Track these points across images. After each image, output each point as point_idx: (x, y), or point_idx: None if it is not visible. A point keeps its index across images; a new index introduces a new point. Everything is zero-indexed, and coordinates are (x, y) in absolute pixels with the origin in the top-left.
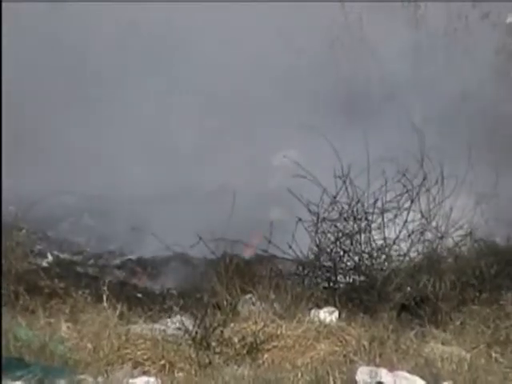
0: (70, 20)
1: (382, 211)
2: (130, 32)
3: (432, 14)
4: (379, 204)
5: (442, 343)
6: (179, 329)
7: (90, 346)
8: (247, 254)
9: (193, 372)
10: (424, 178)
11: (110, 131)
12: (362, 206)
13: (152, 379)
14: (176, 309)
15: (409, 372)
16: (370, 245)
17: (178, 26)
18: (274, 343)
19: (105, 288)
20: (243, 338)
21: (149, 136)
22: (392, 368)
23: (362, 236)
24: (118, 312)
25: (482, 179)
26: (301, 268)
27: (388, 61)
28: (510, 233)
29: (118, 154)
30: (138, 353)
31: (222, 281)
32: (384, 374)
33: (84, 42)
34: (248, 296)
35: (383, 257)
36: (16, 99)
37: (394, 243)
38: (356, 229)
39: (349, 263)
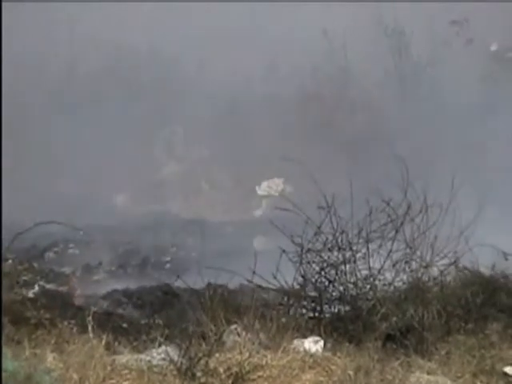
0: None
1: (367, 241)
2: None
3: (416, 41)
4: (364, 234)
5: (428, 373)
6: (164, 359)
7: (75, 376)
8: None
9: None
10: (408, 207)
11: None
12: (347, 236)
13: None
14: (161, 339)
15: None
16: (355, 275)
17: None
18: (260, 373)
19: (90, 318)
20: (228, 369)
21: (133, 164)
22: None
23: (347, 266)
24: (103, 342)
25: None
26: (286, 298)
27: (372, 89)
28: (495, 261)
29: (102, 182)
30: (124, 383)
31: (207, 311)
32: None
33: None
34: (233, 326)
35: (368, 286)
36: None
37: (379, 273)
38: (341, 259)
39: (334, 293)
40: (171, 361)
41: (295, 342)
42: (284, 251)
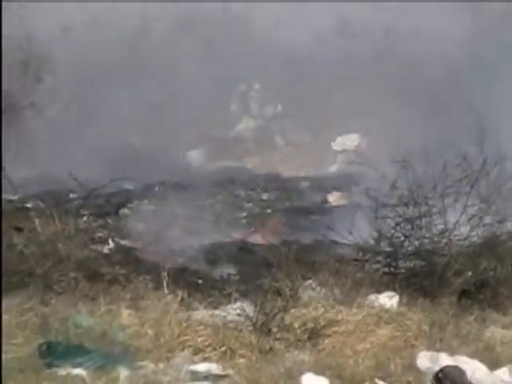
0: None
1: (442, 196)
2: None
3: None
4: (439, 189)
5: (503, 327)
6: (240, 315)
7: (150, 332)
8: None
9: (253, 358)
10: (484, 162)
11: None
12: (422, 190)
13: (213, 366)
14: (236, 295)
15: (469, 356)
16: (431, 230)
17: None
18: (335, 329)
19: (165, 274)
20: (304, 324)
21: (208, 120)
22: (452, 353)
23: (423, 221)
24: (178, 298)
25: None
26: (361, 253)
27: (447, 45)
28: None
29: (176, 138)
30: (199, 339)
31: (283, 267)
32: (445, 358)
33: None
34: (308, 282)
35: (443, 241)
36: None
37: (454, 228)
38: (416, 214)
39: (409, 248)
40: (247, 316)
41: (370, 297)
42: (359, 206)
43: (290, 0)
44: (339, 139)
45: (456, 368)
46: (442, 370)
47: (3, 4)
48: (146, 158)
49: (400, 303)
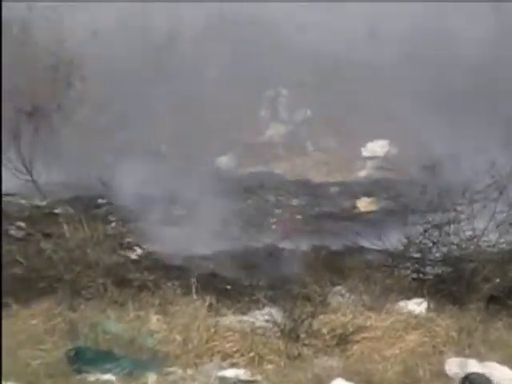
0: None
1: (471, 202)
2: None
3: None
4: (468, 195)
5: None
6: (268, 321)
7: (179, 338)
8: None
9: (282, 364)
10: None
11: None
12: (451, 197)
13: (241, 371)
14: (265, 301)
15: (498, 362)
16: (459, 236)
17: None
18: (364, 334)
19: (194, 280)
20: (332, 330)
21: (237, 125)
22: (481, 359)
23: (451, 227)
24: (207, 304)
25: None
26: (390, 259)
27: (476, 49)
28: None
29: (206, 143)
30: (227, 345)
31: (312, 272)
32: (473, 364)
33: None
34: (337, 288)
35: (472, 248)
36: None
37: (483, 234)
38: (445, 220)
39: (437, 254)
40: (275, 322)
41: (399, 303)
42: (388, 212)
43: (317, 0)
44: (369, 145)
45: (481, 375)
46: (467, 377)
47: (33, 8)
48: (175, 163)
49: (428, 309)
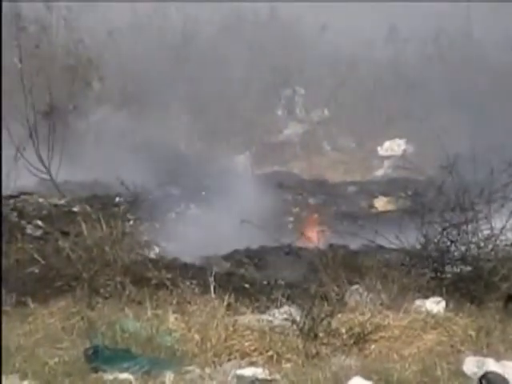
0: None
1: (489, 201)
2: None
3: None
4: (486, 194)
5: None
6: (286, 319)
7: (197, 337)
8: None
9: (300, 363)
10: None
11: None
12: (469, 196)
13: (259, 370)
14: (283, 300)
15: None
16: (477, 235)
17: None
18: (381, 334)
19: (212, 279)
20: (350, 329)
21: (256, 125)
22: (499, 358)
23: (469, 226)
24: (225, 303)
25: None
26: (408, 258)
27: (495, 51)
28: None
29: (222, 142)
30: (246, 344)
31: (329, 271)
32: (491, 364)
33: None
34: (355, 286)
35: (490, 247)
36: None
37: (501, 233)
38: (463, 219)
39: (456, 253)
40: (293, 321)
41: (417, 302)
42: (406, 211)
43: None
44: (386, 144)
45: (498, 375)
46: (484, 376)
47: (51, 8)
48: (192, 163)
49: (447, 308)
